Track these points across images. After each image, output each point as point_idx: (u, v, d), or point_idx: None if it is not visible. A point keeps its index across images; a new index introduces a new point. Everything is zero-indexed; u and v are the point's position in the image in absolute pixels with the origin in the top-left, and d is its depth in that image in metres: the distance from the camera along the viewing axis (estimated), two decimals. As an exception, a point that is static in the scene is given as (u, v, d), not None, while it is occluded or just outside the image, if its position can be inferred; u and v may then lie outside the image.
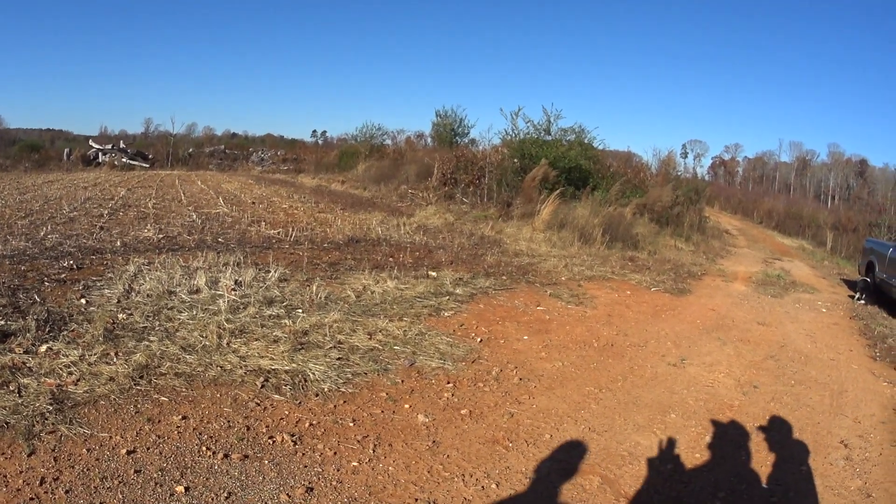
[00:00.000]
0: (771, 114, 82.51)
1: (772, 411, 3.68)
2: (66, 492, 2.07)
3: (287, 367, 3.29)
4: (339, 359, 3.53)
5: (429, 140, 30.15)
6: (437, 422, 3.00)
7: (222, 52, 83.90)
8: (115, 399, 2.74)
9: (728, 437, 3.25)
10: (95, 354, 3.10)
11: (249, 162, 33.48)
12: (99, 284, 4.44)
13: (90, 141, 31.52)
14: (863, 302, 8.06)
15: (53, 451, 2.29)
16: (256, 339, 3.62)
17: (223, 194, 13.78)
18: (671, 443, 3.08)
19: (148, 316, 3.80)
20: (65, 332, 3.36)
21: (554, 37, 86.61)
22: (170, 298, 4.19)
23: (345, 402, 3.07)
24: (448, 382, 3.50)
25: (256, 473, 2.33)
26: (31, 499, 2.02)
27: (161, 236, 7.09)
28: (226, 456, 2.42)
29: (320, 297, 4.64)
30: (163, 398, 2.82)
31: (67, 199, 11.19)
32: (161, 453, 2.38)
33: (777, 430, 3.40)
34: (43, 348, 3.12)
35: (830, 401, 4.01)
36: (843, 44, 76.07)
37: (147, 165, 28.39)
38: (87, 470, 2.20)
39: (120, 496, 2.08)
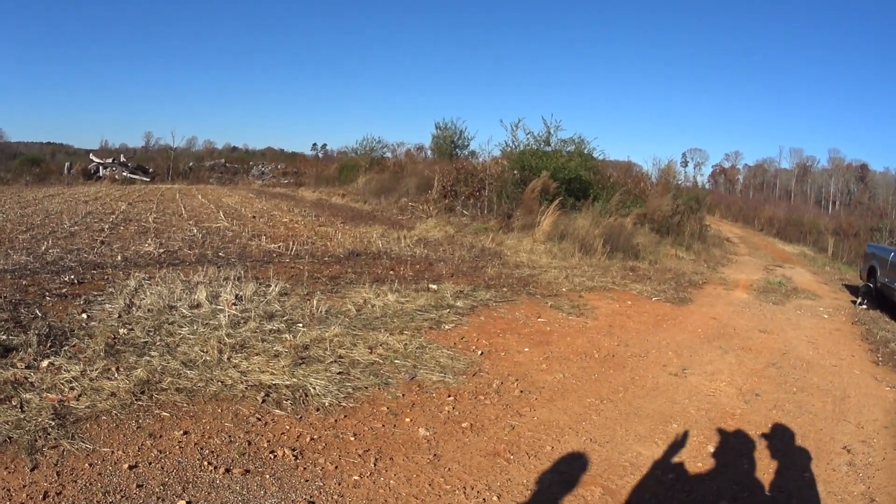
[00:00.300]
0: (771, 121, 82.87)
1: (774, 419, 3.67)
2: (68, 508, 2.07)
3: (288, 382, 3.29)
4: (339, 373, 3.53)
5: (429, 152, 30.35)
6: (439, 435, 3.00)
7: (223, 65, 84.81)
8: (116, 414, 2.75)
9: (730, 446, 3.23)
10: (97, 369, 3.12)
11: (250, 175, 33.59)
12: (100, 299, 4.46)
13: (91, 155, 31.62)
14: (865, 307, 8.05)
15: (56, 465, 2.30)
16: (257, 354, 3.63)
17: (224, 208, 13.85)
18: (673, 452, 3.08)
19: (149, 331, 3.82)
20: (66, 347, 3.38)
21: (553, 48, 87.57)
22: (170, 313, 4.21)
23: (346, 416, 3.07)
24: (449, 396, 3.50)
25: (258, 488, 2.34)
26: (33, 515, 2.02)
27: (162, 251, 7.13)
28: (227, 471, 2.43)
29: (321, 311, 4.66)
30: (164, 413, 2.83)
31: (68, 213, 11.26)
32: (163, 468, 2.38)
33: (779, 438, 3.39)
34: (44, 363, 3.13)
35: (833, 407, 4.00)
36: (840, 47, 76.87)
37: (147, 179, 28.49)
38: (90, 484, 2.21)
39: (121, 512, 2.09)
